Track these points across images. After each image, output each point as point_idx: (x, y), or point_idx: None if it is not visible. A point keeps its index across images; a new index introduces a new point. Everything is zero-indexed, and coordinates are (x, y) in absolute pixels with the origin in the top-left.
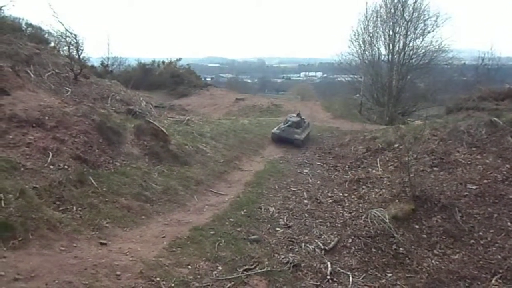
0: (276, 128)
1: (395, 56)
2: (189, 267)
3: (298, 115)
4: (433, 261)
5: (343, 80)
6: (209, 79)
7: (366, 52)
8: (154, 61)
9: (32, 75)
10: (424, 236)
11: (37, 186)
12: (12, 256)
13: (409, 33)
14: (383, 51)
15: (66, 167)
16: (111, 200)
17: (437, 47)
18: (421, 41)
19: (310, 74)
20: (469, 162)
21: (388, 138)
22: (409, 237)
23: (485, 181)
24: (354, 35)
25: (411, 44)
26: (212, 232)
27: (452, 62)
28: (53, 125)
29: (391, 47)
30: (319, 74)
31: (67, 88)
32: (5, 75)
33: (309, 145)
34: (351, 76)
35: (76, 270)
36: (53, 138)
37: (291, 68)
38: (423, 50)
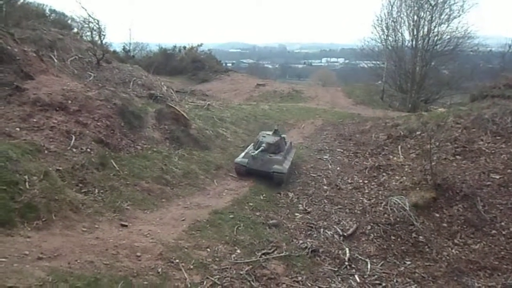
0: (242, 155)
1: (419, 42)
2: (208, 250)
3: (276, 132)
4: (453, 251)
5: (366, 66)
6: (230, 65)
7: (390, 38)
8: (175, 47)
9: (55, 60)
10: (445, 225)
11: (60, 168)
12: (36, 236)
13: (434, 18)
14: (407, 36)
15: (88, 150)
16: (132, 183)
17: (462, 33)
18: (446, 27)
19: (332, 60)
20: (493, 151)
21: (410, 125)
22: (429, 226)
23: (509, 170)
24: (377, 20)
25: (436, 30)
26: (231, 216)
27: (478, 49)
28: (76, 109)
29: (415, 33)
30: (341, 60)
31: (89, 73)
32: (29, 60)
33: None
34: (374, 62)
35: (98, 251)
36: (76, 121)
37: (312, 53)
38: (448, 36)
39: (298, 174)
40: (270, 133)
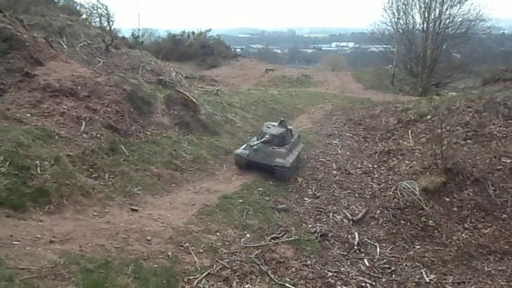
0: (243, 147)
1: (431, 24)
2: (218, 234)
3: (282, 123)
4: (463, 235)
5: (376, 50)
6: (239, 50)
7: (400, 21)
8: (184, 32)
9: (65, 46)
10: (455, 209)
11: (71, 153)
12: (48, 220)
13: (445, 0)
14: (418, 19)
15: (98, 135)
16: (142, 168)
17: (475, 15)
18: (458, 9)
19: (342, 44)
20: (504, 135)
21: (420, 110)
22: (439, 210)
23: None
24: (388, 3)
25: (447, 12)
26: (240, 201)
27: (490, 32)
28: (85, 94)
29: (426, 15)
30: (351, 44)
31: (98, 59)
32: (39, 46)
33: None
34: (384, 46)
35: (108, 234)
36: (86, 107)
37: (322, 38)
38: (460, 19)
39: (307, 159)
40: (276, 124)
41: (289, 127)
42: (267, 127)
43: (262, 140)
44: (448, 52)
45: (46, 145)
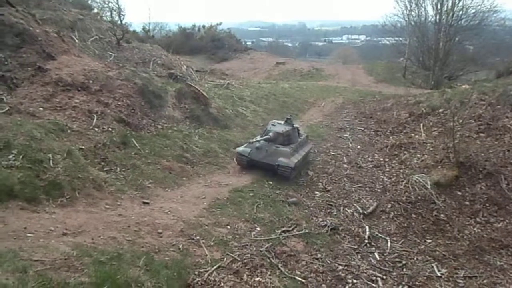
0: (245, 145)
1: (443, 16)
2: (228, 227)
3: (288, 121)
4: (475, 229)
5: (387, 43)
6: (250, 43)
7: (412, 13)
8: (194, 26)
9: (76, 41)
10: (467, 203)
11: (83, 147)
12: (61, 213)
13: None
14: (430, 11)
15: (110, 129)
16: (153, 161)
17: (488, 6)
18: (472, 1)
19: (353, 37)
20: None
21: (432, 103)
22: (451, 204)
23: None
24: None
25: (460, 4)
26: (251, 194)
27: (504, 23)
28: (97, 88)
29: (439, 7)
30: (362, 37)
31: (110, 53)
32: (51, 40)
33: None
34: (396, 38)
35: (120, 227)
36: (98, 101)
37: (333, 31)
38: (473, 10)
39: (318, 153)
40: (282, 122)
41: (295, 125)
42: (272, 124)
43: (264, 137)
44: (461, 44)
45: (59, 139)
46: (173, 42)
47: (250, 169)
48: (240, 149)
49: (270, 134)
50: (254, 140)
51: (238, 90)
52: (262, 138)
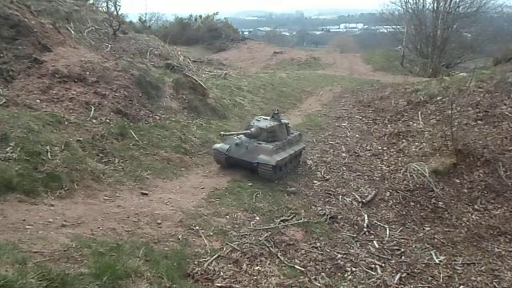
0: (225, 142)
1: (441, 3)
2: (227, 217)
3: (275, 116)
4: (473, 216)
5: (385, 31)
6: (247, 33)
7: (410, 1)
8: (191, 16)
9: (72, 32)
10: (465, 190)
11: (81, 139)
12: (60, 204)
13: None
14: None
15: (107, 120)
16: (151, 152)
17: None
18: None
19: (351, 25)
20: None
21: (430, 91)
22: (449, 192)
23: None
24: None
25: None
26: (250, 184)
27: (502, 10)
28: (94, 80)
29: None
30: (359, 25)
31: (106, 44)
32: (46, 32)
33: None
34: (394, 26)
35: (119, 218)
36: (95, 92)
37: (330, 19)
38: None
39: (316, 142)
40: (268, 117)
41: (283, 121)
42: (257, 120)
43: (244, 132)
44: (459, 32)
45: (56, 131)
46: (170, 33)
47: (230, 169)
48: (217, 145)
49: (252, 129)
50: (228, 133)
51: (236, 80)
52: (242, 132)
